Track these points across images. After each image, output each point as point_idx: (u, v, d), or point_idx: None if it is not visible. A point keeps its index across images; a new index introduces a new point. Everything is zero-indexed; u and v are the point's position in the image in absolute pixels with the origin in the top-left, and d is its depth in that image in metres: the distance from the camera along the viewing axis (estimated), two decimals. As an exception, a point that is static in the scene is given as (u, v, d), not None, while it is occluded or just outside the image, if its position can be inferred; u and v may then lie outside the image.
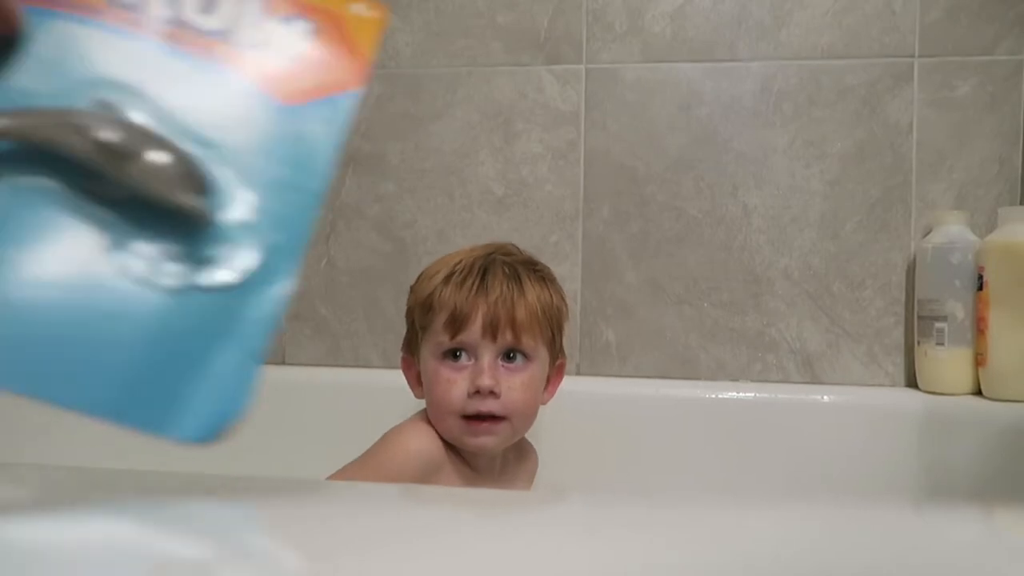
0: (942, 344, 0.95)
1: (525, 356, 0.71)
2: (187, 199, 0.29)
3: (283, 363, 1.14)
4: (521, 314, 0.69)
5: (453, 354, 0.70)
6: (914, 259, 1.01)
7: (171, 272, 0.29)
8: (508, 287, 0.70)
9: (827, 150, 1.05)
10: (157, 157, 0.29)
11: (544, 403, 0.76)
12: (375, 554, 0.24)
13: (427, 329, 0.72)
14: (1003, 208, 0.95)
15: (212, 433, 0.27)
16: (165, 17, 0.32)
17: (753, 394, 0.99)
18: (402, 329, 1.05)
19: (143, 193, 0.29)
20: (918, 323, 0.99)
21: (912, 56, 1.03)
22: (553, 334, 0.73)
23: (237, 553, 0.24)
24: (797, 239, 1.05)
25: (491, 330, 0.68)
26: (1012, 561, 0.23)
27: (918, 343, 0.99)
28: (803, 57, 1.05)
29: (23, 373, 0.27)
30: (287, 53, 0.32)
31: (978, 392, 0.94)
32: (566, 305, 0.77)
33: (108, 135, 0.28)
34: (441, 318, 0.70)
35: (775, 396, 0.99)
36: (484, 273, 0.70)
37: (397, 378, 1.11)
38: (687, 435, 0.98)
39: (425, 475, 0.70)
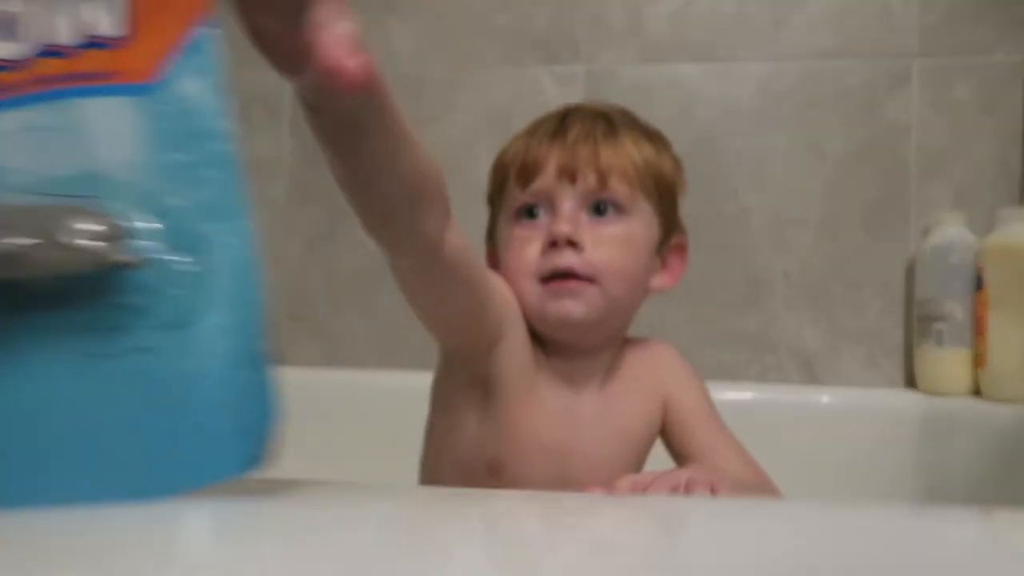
0: (941, 345, 0.95)
1: (618, 208, 0.56)
2: (113, 253, 0.26)
3: (282, 364, 1.14)
4: (608, 154, 0.56)
5: (529, 212, 0.57)
6: (913, 260, 1.01)
7: (130, 328, 0.27)
8: (592, 125, 0.57)
9: (826, 151, 1.05)
10: (62, 233, 0.26)
11: (663, 288, 0.61)
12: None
13: (501, 194, 0.60)
14: (1002, 209, 0.95)
15: (255, 455, 0.27)
16: None
17: (752, 395, 0.99)
18: (402, 330, 1.06)
19: (71, 270, 0.26)
20: (917, 324, 0.99)
21: (911, 57, 1.03)
22: (661, 195, 0.59)
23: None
24: (796, 240, 1.05)
25: (569, 172, 0.55)
26: (1011, 562, 0.23)
27: (917, 344, 0.98)
28: (802, 58, 1.05)
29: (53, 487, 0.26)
30: (110, 23, 0.28)
31: (977, 393, 0.94)
32: (680, 173, 0.63)
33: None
34: (512, 173, 0.58)
35: (774, 397, 0.99)
36: (564, 118, 0.58)
37: (395, 379, 1.11)
38: (686, 436, 0.98)
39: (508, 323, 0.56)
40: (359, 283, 1.13)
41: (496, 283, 0.55)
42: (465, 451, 0.58)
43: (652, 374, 0.62)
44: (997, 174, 1.01)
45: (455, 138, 1.11)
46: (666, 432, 0.61)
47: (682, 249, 0.64)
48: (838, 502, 0.80)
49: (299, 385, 1.25)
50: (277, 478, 0.30)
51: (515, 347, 0.56)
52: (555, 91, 1.09)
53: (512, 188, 0.58)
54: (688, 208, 1.07)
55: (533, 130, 0.59)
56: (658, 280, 0.61)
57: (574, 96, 1.09)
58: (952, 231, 0.97)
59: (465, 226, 1.23)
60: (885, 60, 1.03)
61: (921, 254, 0.98)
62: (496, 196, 0.62)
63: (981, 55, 1.02)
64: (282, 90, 1.18)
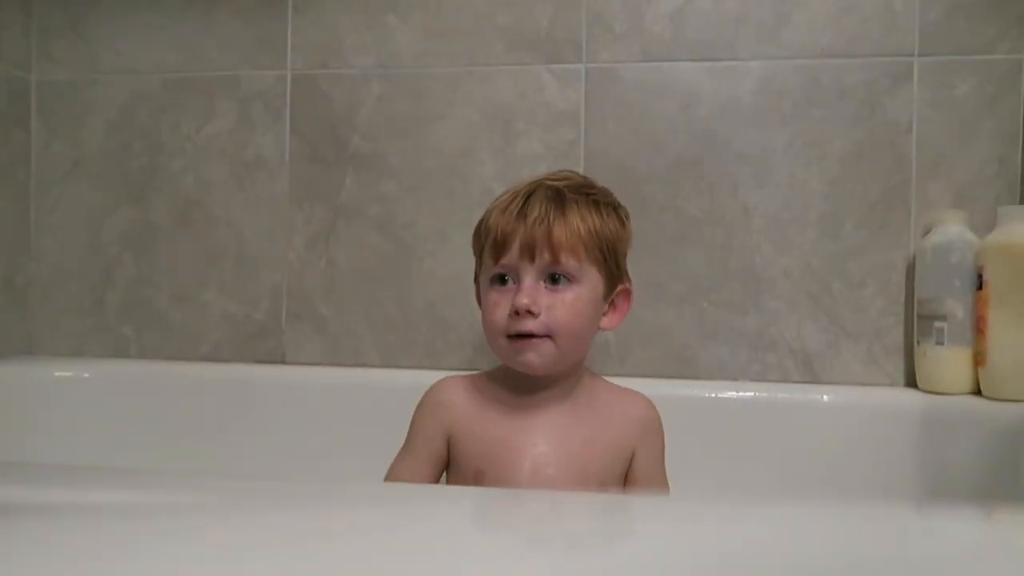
0: (942, 344, 0.95)
1: (568, 278, 0.71)
2: None
3: (283, 362, 1.14)
4: (559, 234, 0.69)
5: (501, 279, 0.72)
6: (914, 258, 1.01)
7: None
8: (546, 209, 0.70)
9: (827, 150, 1.05)
10: None
11: (608, 328, 0.76)
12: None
13: (481, 256, 0.75)
14: (1002, 207, 0.95)
15: None
16: None
17: (753, 393, 0.99)
18: (402, 329, 1.10)
19: None
20: (918, 322, 0.99)
21: (912, 55, 1.03)
22: (605, 257, 0.73)
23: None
24: (797, 239, 1.05)
25: (528, 250, 0.70)
26: (1011, 561, 0.23)
27: (917, 343, 0.99)
28: (803, 56, 1.05)
29: None
30: None
31: (977, 392, 0.94)
32: (625, 228, 0.76)
33: None
34: (488, 244, 0.73)
35: (775, 396, 0.99)
36: (528, 197, 0.72)
37: (397, 377, 1.11)
38: (687, 435, 0.98)
39: (441, 413, 0.75)
40: (360, 282, 1.14)
41: (429, 455, 0.75)
42: (457, 472, 0.75)
43: (628, 417, 0.76)
44: (997, 173, 1.02)
45: (457, 137, 1.11)
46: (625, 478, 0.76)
47: (627, 293, 0.78)
48: (838, 501, 0.80)
49: (299, 384, 1.27)
50: (293, 478, 0.30)
51: (463, 425, 0.74)
52: (556, 90, 1.09)
53: (487, 257, 0.73)
54: (688, 207, 1.08)
55: (505, 206, 0.72)
56: (605, 321, 0.76)
57: (575, 95, 1.09)
58: (953, 230, 0.97)
59: (467, 224, 1.23)
60: (886, 59, 1.03)
61: (921, 253, 0.98)
62: (477, 255, 0.76)
63: (982, 53, 1.02)
64: (283, 89, 1.18)
